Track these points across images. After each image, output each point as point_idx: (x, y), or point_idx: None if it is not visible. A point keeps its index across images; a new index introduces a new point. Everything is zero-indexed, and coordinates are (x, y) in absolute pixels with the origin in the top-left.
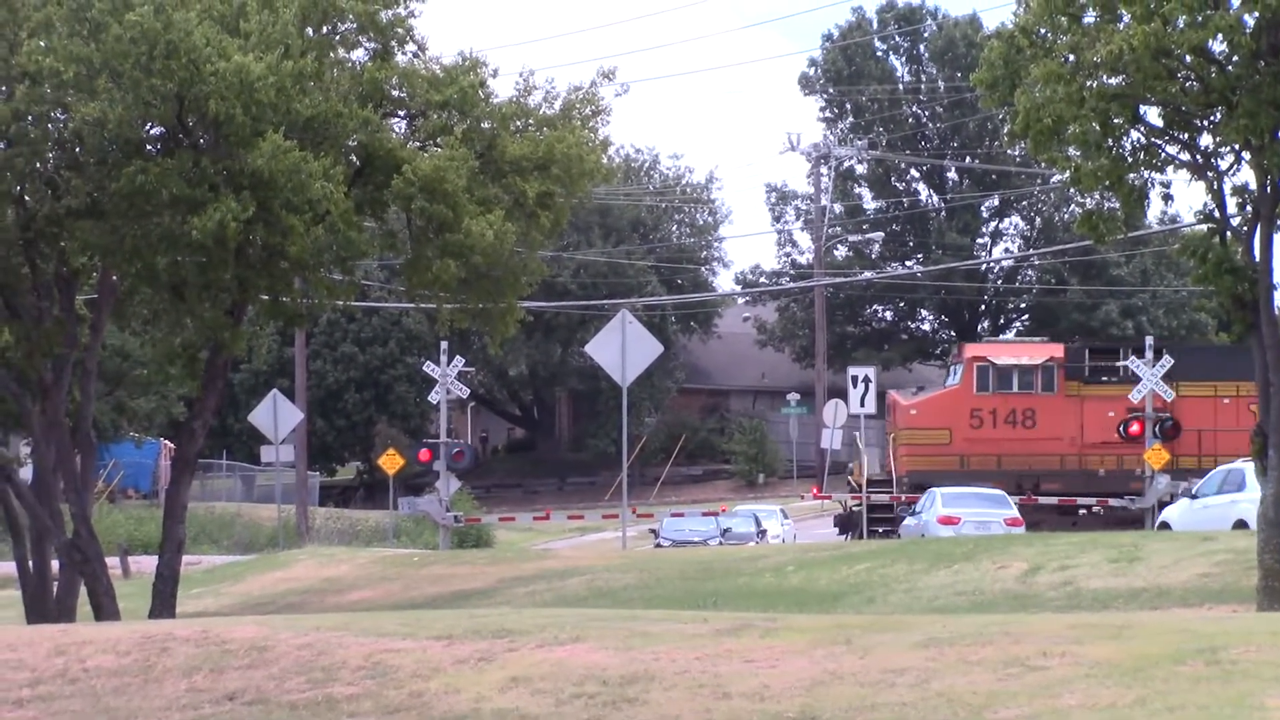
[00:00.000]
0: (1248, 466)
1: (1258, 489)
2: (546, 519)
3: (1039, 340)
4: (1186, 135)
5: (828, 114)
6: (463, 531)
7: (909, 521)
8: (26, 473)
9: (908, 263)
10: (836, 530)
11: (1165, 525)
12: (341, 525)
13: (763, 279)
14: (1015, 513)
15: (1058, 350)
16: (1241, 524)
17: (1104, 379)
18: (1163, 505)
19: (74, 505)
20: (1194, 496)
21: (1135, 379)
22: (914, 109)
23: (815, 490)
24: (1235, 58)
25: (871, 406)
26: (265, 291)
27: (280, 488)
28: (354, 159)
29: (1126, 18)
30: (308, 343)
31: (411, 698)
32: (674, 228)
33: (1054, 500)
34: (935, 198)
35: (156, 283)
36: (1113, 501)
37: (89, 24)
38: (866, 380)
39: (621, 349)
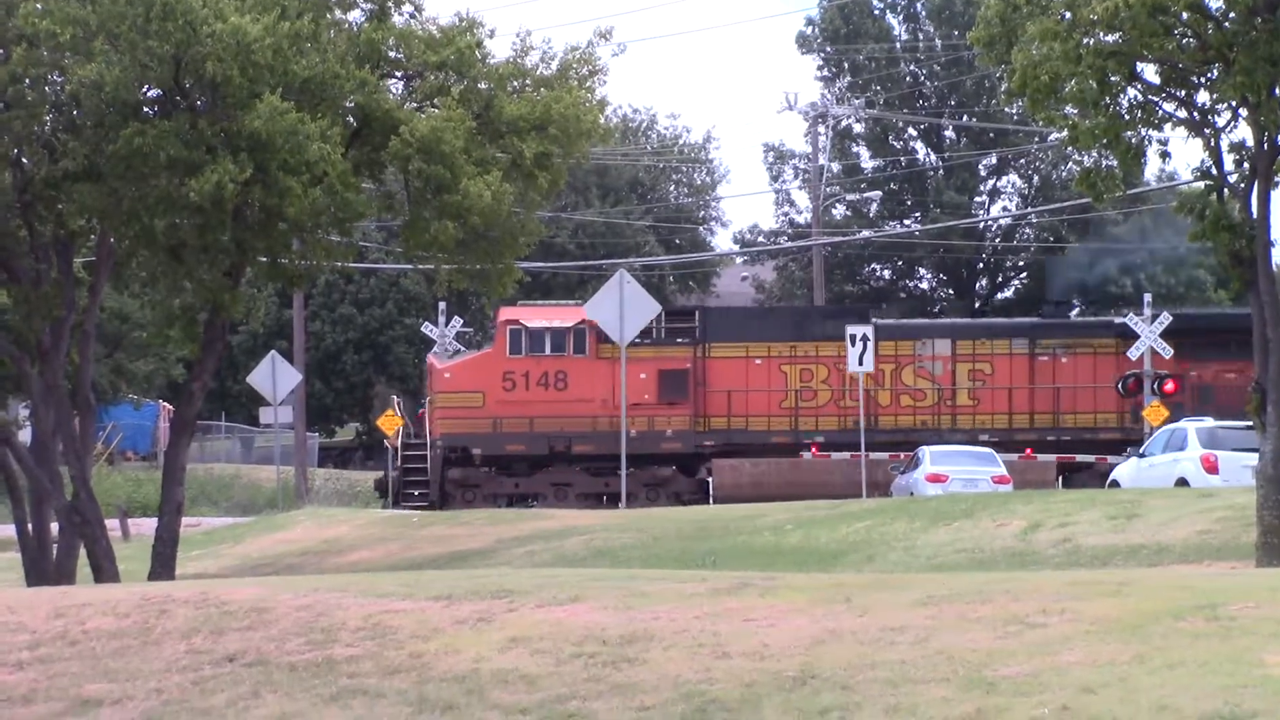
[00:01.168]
0: (1189, 426)
1: (1198, 448)
2: None
3: (573, 304)
4: (1184, 92)
5: (825, 73)
6: None
7: (899, 480)
8: (26, 435)
9: (906, 221)
10: (377, 494)
11: (1115, 483)
12: (340, 486)
13: (761, 238)
14: (1003, 470)
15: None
16: (1182, 482)
17: (636, 341)
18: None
19: (73, 468)
20: (1141, 455)
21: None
22: (911, 67)
23: (813, 449)
24: (1232, 14)
25: (870, 365)
26: (263, 253)
27: (279, 449)
28: (351, 120)
29: None
30: (306, 304)
31: (411, 658)
32: (672, 187)
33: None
34: (933, 156)
35: (154, 245)
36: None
37: None
38: (865, 339)
39: (619, 309)
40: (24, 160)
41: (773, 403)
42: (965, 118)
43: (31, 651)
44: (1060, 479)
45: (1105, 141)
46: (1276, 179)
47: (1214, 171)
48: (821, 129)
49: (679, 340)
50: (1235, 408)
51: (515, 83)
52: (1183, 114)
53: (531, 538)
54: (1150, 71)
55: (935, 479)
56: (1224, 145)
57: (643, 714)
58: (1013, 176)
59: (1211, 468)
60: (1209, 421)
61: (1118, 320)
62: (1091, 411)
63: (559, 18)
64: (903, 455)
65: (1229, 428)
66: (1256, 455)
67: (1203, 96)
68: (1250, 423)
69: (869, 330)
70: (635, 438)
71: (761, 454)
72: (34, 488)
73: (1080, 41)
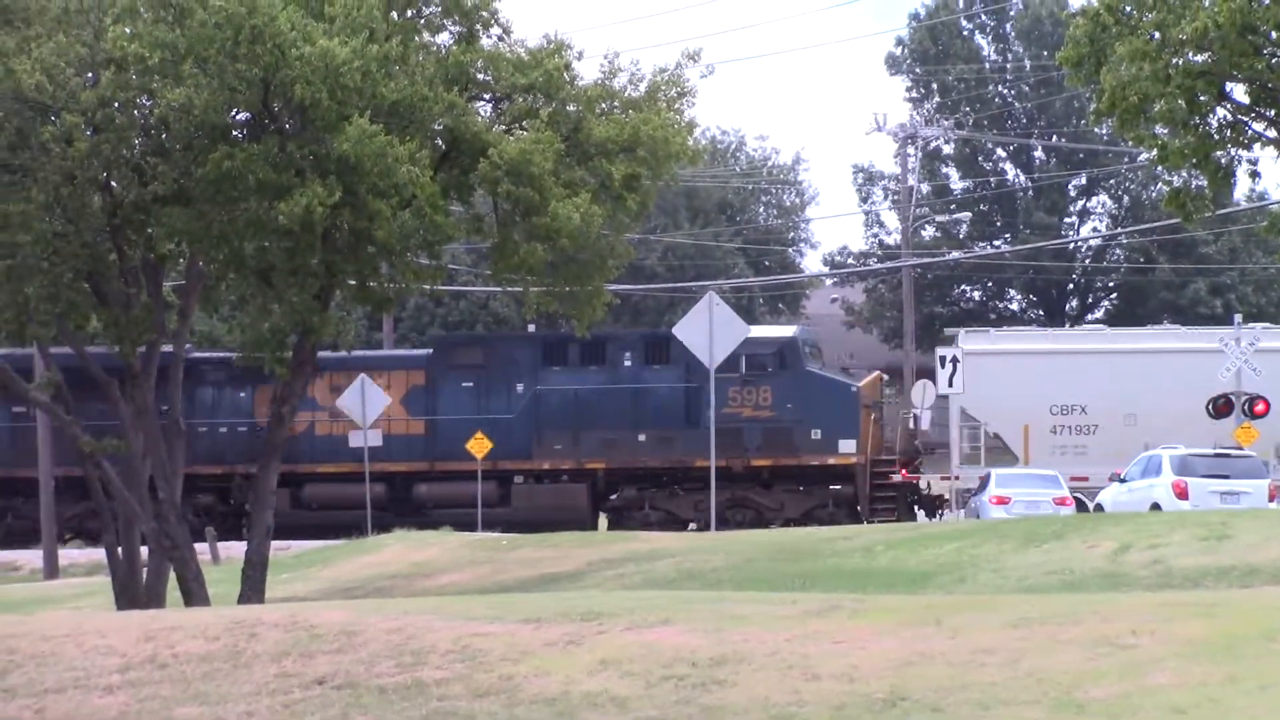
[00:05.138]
0: (1165, 453)
1: (1170, 475)
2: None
3: None
4: (1273, 111)
5: (914, 94)
6: None
7: (970, 502)
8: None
9: (995, 242)
10: None
11: (1100, 507)
12: None
13: (850, 260)
14: (1065, 492)
15: None
16: (1155, 506)
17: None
18: None
19: (163, 492)
20: (1123, 480)
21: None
22: (1000, 88)
23: (903, 472)
24: None
25: (960, 386)
26: (352, 276)
27: (369, 471)
28: (440, 143)
29: None
30: (395, 327)
31: (501, 681)
32: (760, 209)
33: None
34: (1022, 177)
35: (244, 268)
36: None
37: (174, 9)
38: (955, 360)
39: (709, 331)
40: (113, 184)
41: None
42: (1054, 138)
43: (122, 675)
44: None
45: (1194, 161)
46: None
47: None
48: (911, 150)
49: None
50: None
51: (603, 104)
52: (1272, 133)
53: (621, 560)
54: (1239, 91)
55: (999, 500)
56: None
57: None
58: (1102, 197)
59: (1182, 493)
60: (1182, 449)
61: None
62: None
63: (648, 39)
64: None
65: (1200, 455)
66: (1222, 481)
67: None
68: (1216, 450)
69: (959, 352)
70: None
71: None
72: (123, 511)
73: (1169, 61)
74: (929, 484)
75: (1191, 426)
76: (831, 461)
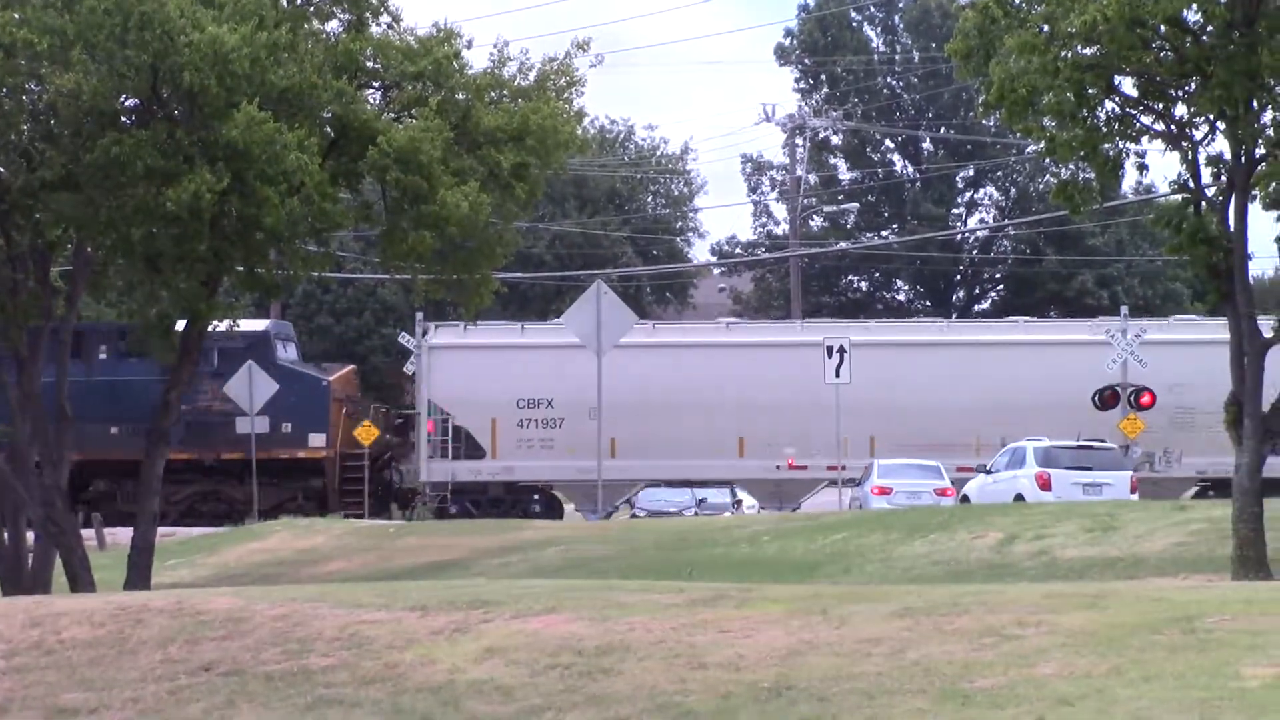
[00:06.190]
0: (1029, 445)
1: (1034, 466)
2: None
3: None
4: (1161, 105)
5: (803, 85)
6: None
7: (855, 491)
8: None
9: (883, 233)
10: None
11: (965, 498)
12: None
13: (738, 250)
14: (946, 483)
15: None
16: (1019, 497)
17: None
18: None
19: (48, 477)
20: (989, 472)
21: None
22: (889, 80)
23: (790, 461)
24: (1209, 28)
25: (848, 376)
26: (241, 263)
27: (255, 457)
28: (329, 130)
29: None
30: (283, 314)
31: (387, 669)
32: (649, 199)
33: None
34: (910, 168)
35: (132, 254)
36: None
37: None
38: (842, 350)
39: (597, 320)
40: (1, 169)
41: None
42: (943, 130)
43: (7, 661)
44: None
45: (1083, 154)
46: (1253, 192)
47: (1191, 184)
48: (799, 141)
49: None
50: None
51: (493, 93)
52: (1160, 127)
53: (508, 549)
54: (1128, 84)
55: (881, 491)
56: (1201, 158)
57: None
58: (990, 189)
59: (1045, 485)
60: (1046, 441)
61: None
62: None
63: (537, 28)
64: None
65: (1063, 447)
66: (1085, 473)
67: (1180, 110)
68: (1079, 442)
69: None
70: None
71: None
72: (10, 497)
73: (1058, 54)
74: (401, 476)
75: (646, 418)
76: (302, 455)
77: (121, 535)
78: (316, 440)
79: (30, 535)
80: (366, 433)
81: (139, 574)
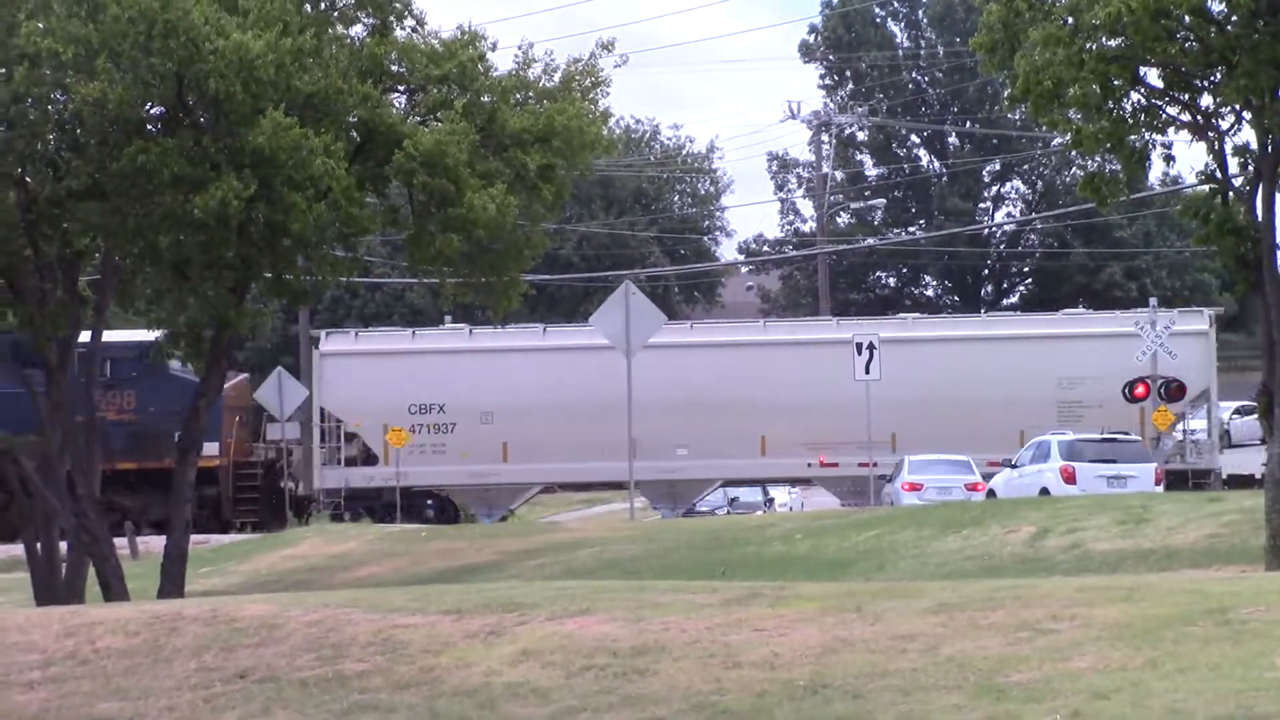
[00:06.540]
0: (1053, 439)
1: (1059, 459)
2: (553, 491)
3: None
4: (1187, 96)
5: (828, 81)
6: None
7: (886, 488)
8: None
9: (910, 229)
10: None
11: (992, 493)
12: None
13: (766, 248)
14: (977, 478)
15: None
16: (1044, 491)
17: None
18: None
19: (81, 487)
20: (1014, 466)
21: None
22: (914, 75)
23: (821, 459)
24: (1234, 17)
25: (877, 373)
26: (268, 269)
27: (287, 464)
28: (355, 135)
29: None
30: (312, 320)
31: (422, 673)
32: (676, 198)
33: None
34: (936, 163)
35: (159, 262)
36: None
37: (87, 4)
38: (871, 347)
39: (625, 321)
40: (28, 179)
41: None
42: (968, 124)
43: (42, 671)
44: None
45: (1109, 146)
46: None
47: (1218, 175)
48: (825, 137)
49: None
50: None
51: (518, 95)
52: (1186, 117)
53: (541, 550)
54: (1153, 75)
55: (912, 487)
56: (1228, 148)
57: None
58: (1016, 182)
59: (1070, 478)
60: (1070, 435)
61: None
62: None
63: (562, 29)
64: None
65: (1088, 440)
66: (1110, 465)
67: (1206, 100)
68: (1103, 435)
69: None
70: None
71: None
72: (42, 507)
73: (1083, 46)
74: (299, 485)
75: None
76: None
77: (154, 544)
78: (209, 449)
79: (63, 545)
80: (397, 437)
81: (173, 582)
